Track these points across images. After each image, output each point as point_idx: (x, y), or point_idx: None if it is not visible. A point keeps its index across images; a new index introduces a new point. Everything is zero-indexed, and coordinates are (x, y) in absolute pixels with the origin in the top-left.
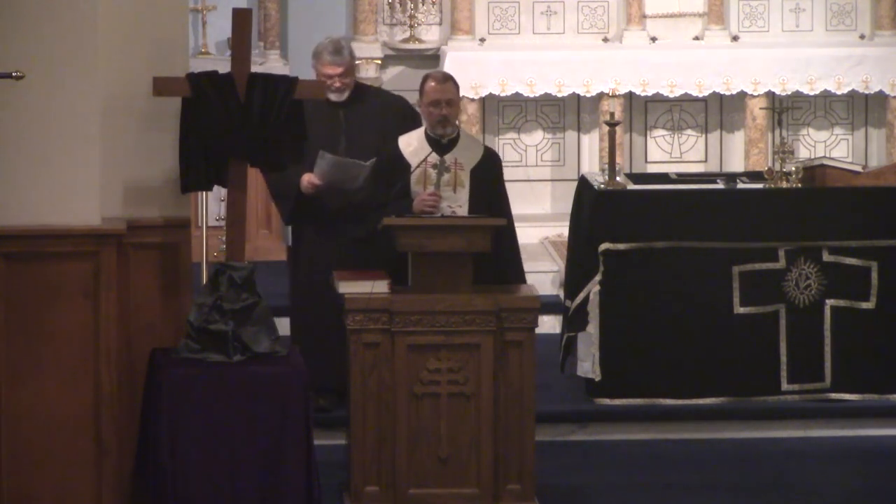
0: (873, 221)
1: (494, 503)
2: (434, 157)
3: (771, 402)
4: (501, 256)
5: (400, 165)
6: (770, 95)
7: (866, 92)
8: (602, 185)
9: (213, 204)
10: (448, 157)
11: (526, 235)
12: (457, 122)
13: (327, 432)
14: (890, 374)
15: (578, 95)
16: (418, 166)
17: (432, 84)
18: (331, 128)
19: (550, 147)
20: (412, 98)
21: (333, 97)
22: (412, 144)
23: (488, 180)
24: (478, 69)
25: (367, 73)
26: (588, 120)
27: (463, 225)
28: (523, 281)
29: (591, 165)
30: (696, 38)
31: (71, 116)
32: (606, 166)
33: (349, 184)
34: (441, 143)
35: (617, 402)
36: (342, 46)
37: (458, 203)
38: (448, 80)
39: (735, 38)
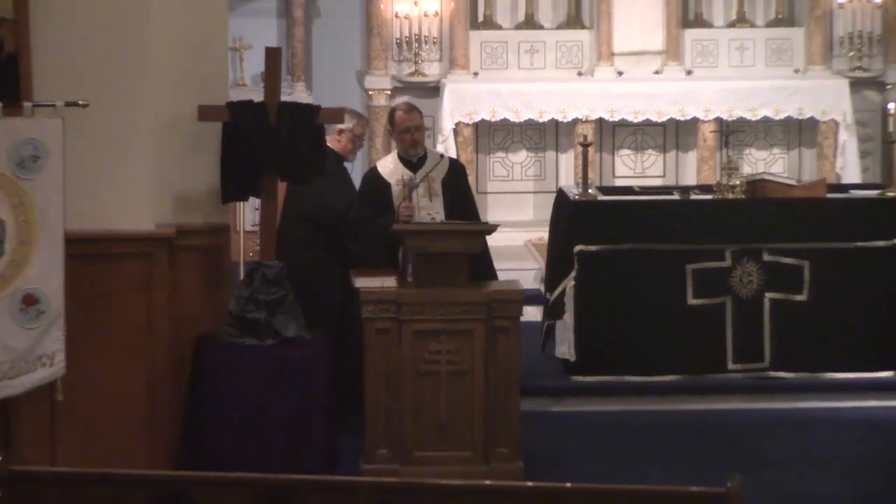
0: (806, 227)
1: (486, 464)
2: (410, 178)
3: (719, 379)
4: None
5: (381, 184)
6: (718, 121)
7: (800, 118)
8: (577, 197)
9: (249, 212)
10: (420, 174)
11: (512, 238)
12: (425, 142)
13: None
14: (820, 356)
15: (557, 121)
16: (403, 196)
17: (401, 114)
18: None
19: (533, 164)
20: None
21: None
22: (388, 166)
23: (457, 187)
24: (472, 98)
25: (379, 101)
26: (565, 141)
27: (460, 230)
28: (494, 275)
29: (568, 179)
30: (656, 73)
31: (129, 138)
32: (580, 180)
33: None
34: (412, 162)
35: (589, 379)
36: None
37: (435, 210)
38: (413, 109)
39: (689, 73)
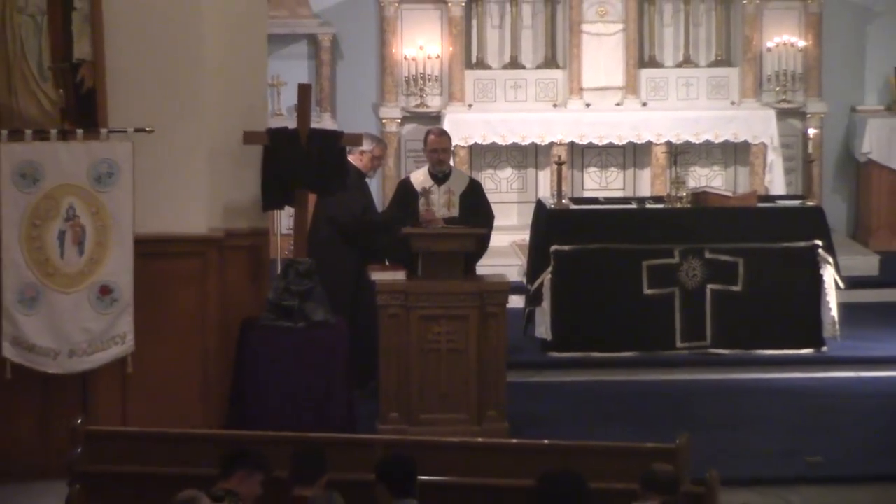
0: (740, 230)
1: (478, 424)
2: (435, 189)
3: (669, 355)
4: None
5: (410, 191)
6: (669, 144)
7: (736, 141)
8: (553, 205)
9: (284, 218)
10: (443, 187)
11: (499, 240)
12: (450, 161)
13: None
14: (752, 336)
15: (536, 144)
16: (425, 201)
17: (433, 137)
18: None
19: (517, 179)
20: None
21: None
22: (419, 177)
23: (473, 200)
24: (467, 126)
25: (391, 128)
26: (543, 161)
27: (456, 233)
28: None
29: (545, 192)
30: (618, 104)
31: (186, 158)
32: (556, 192)
33: None
34: (438, 176)
35: (563, 354)
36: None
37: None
38: (443, 134)
39: (644, 104)
